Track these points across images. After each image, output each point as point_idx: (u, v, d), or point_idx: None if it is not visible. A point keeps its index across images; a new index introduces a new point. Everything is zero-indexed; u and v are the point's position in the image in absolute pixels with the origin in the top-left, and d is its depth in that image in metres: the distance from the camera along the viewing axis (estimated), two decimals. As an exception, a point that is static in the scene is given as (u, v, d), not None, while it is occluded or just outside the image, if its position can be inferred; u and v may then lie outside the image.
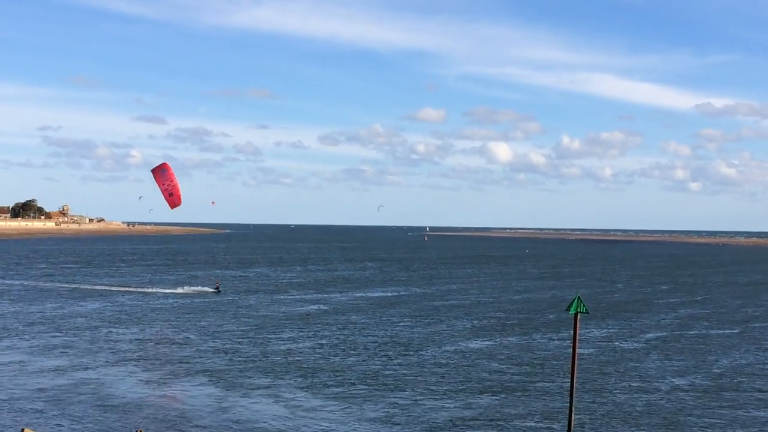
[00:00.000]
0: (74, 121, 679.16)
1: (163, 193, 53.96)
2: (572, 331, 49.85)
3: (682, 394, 33.56)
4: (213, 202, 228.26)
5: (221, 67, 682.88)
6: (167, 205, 55.94)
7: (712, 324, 57.13)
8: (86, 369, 36.87)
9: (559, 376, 36.87)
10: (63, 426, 27.33)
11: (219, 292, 74.12)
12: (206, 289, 76.53)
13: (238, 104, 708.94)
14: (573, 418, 24.02)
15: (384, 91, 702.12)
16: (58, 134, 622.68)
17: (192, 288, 77.61)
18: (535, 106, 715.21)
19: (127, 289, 76.89)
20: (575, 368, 23.88)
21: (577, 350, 44.07)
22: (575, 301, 23.78)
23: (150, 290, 75.77)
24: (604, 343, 46.67)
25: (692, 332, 52.54)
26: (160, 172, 50.94)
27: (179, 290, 75.90)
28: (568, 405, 24.39)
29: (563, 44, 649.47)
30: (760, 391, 34.40)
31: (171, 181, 50.35)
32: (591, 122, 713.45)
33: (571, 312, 23.56)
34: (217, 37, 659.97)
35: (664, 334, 51.49)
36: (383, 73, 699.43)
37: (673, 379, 36.54)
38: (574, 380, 23.91)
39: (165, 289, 77.19)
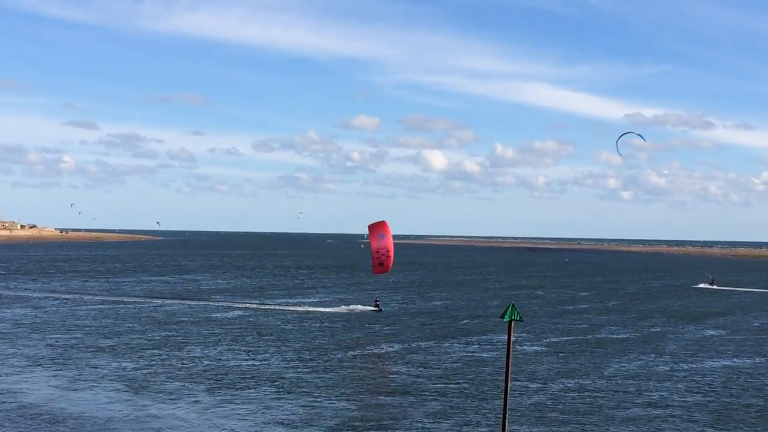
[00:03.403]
0: (3, 126, 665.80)
1: (374, 257, 50.15)
2: (487, 337, 52.31)
3: (573, 394, 35.90)
4: (158, 222, 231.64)
5: (155, 72, 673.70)
6: (372, 267, 52.25)
7: (616, 329, 60.03)
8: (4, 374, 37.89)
9: (464, 379, 39.04)
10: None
11: (380, 310, 70.01)
12: (367, 307, 71.82)
13: (172, 110, 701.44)
14: (507, 423, 24.68)
15: (319, 98, 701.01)
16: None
17: (352, 306, 72.76)
18: (469, 114, 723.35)
19: (276, 307, 72.13)
20: (509, 374, 24.35)
21: (490, 354, 46.09)
22: (509, 308, 23.84)
23: (303, 309, 71.13)
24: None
25: (595, 336, 55.30)
26: (379, 235, 47.23)
27: (341, 309, 71.60)
28: (502, 409, 24.44)
29: (498, 54, 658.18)
30: (646, 391, 36.93)
31: (387, 247, 46.82)
32: (524, 131, 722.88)
33: (505, 319, 23.75)
34: (152, 43, 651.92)
35: (568, 338, 54.12)
36: (319, 80, 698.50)
37: (564, 381, 38.97)
38: (508, 386, 24.27)
39: (325, 308, 72.36)
